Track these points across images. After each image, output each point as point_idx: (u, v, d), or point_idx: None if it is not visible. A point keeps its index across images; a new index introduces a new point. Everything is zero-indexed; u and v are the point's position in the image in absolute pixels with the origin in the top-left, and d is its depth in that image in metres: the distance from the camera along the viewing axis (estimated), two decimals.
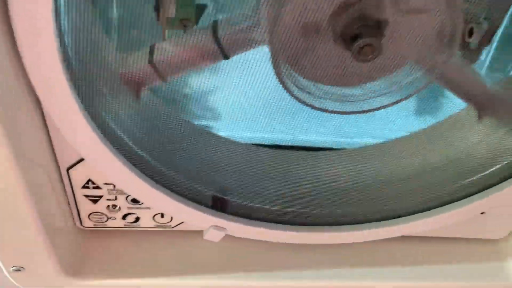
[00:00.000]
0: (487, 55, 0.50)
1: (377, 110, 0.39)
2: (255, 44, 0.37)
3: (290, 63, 0.37)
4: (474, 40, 0.40)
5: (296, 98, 0.38)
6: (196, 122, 0.47)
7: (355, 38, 0.33)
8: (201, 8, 0.39)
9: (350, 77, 0.37)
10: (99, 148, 0.35)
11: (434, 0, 0.34)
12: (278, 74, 0.37)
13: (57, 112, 0.33)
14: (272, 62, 0.36)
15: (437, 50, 0.37)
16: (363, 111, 0.39)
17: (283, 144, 0.49)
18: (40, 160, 0.38)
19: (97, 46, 0.36)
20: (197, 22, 0.39)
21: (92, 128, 0.35)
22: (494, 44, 0.50)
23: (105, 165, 0.37)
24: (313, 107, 0.38)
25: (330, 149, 0.49)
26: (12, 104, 0.32)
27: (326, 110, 0.39)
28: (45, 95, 0.32)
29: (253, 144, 0.48)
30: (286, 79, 0.37)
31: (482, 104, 0.46)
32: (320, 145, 0.49)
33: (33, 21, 0.27)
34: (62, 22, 0.31)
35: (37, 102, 0.34)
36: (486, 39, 0.41)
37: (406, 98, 0.40)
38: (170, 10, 0.39)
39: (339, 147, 0.49)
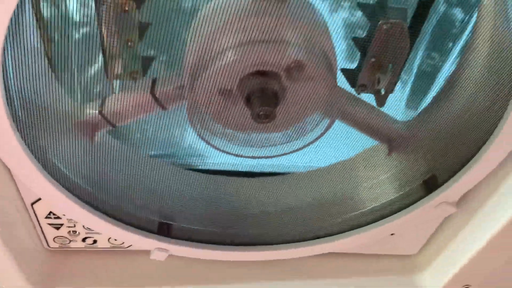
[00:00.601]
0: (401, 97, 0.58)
1: (279, 156, 0.47)
2: (184, 99, 0.45)
3: (208, 114, 0.46)
4: (381, 87, 0.48)
5: (203, 139, 0.46)
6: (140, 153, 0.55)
7: (253, 105, 0.41)
8: (148, 60, 0.44)
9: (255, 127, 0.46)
10: (53, 192, 0.44)
11: (317, 71, 0.42)
12: (191, 122, 0.45)
13: (7, 159, 0.41)
14: (187, 113, 0.45)
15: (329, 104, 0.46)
16: (267, 157, 0.47)
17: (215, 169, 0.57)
18: (6, 195, 0.47)
19: (48, 97, 0.44)
20: (144, 74, 0.44)
21: (43, 174, 0.43)
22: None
23: (59, 205, 0.46)
24: (218, 149, 0.47)
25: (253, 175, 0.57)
26: None
27: (229, 153, 0.47)
28: None
29: (187, 169, 0.56)
30: (198, 125, 0.45)
31: (392, 140, 0.54)
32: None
33: None
34: (10, 78, 0.38)
35: None
36: (390, 87, 0.49)
37: (307, 145, 0.48)
38: (118, 67, 0.46)
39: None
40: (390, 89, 0.47)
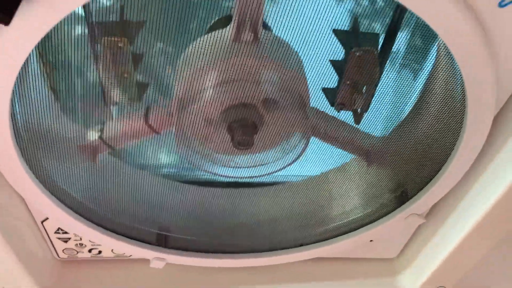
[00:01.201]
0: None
1: (262, 176, 0.53)
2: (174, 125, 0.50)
3: (194, 139, 0.51)
4: (357, 106, 0.53)
5: (189, 161, 0.51)
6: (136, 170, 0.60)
7: (234, 134, 0.46)
8: (143, 87, 0.48)
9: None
10: (58, 212, 0.50)
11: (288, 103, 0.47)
12: (178, 145, 0.50)
13: (16, 185, 0.47)
14: (175, 137, 0.50)
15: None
16: (250, 176, 0.53)
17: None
18: (18, 216, 0.52)
19: (52, 125, 0.49)
20: (140, 99, 0.50)
21: (47, 196, 0.48)
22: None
23: (64, 223, 0.52)
24: (205, 171, 0.52)
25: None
26: None
27: (215, 173, 0.52)
28: (4, 169, 0.45)
29: (181, 182, 0.61)
30: (185, 148, 0.51)
31: (368, 155, 0.58)
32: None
33: None
34: (16, 111, 0.42)
35: None
36: (365, 106, 0.53)
37: (289, 164, 0.53)
38: (116, 95, 0.51)
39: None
40: (365, 108, 0.52)
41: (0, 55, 0.34)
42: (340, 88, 0.49)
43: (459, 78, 0.40)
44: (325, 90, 0.50)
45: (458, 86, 0.42)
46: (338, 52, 0.47)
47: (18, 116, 0.44)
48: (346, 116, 0.54)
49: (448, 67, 0.45)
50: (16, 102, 0.43)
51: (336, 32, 0.46)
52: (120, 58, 0.45)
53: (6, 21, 0.28)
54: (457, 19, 0.33)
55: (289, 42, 0.45)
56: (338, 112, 0.52)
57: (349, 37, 0.46)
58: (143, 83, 0.47)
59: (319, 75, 0.49)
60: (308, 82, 0.48)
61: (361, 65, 0.47)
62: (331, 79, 0.49)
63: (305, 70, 0.47)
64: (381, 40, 0.47)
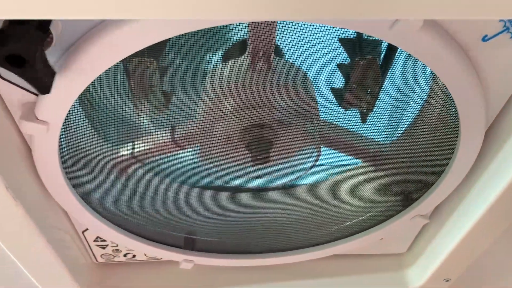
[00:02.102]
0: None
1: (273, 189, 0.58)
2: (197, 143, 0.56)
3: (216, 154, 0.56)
4: (363, 108, 0.57)
5: (210, 175, 0.57)
6: (165, 181, 0.66)
7: (252, 151, 0.52)
8: (168, 95, 0.52)
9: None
10: (96, 223, 0.56)
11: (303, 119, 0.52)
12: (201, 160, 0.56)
13: (60, 200, 0.53)
14: (199, 154, 0.55)
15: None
16: (264, 189, 0.58)
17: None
18: (62, 227, 0.59)
19: (90, 148, 0.55)
20: (167, 105, 0.53)
21: (87, 209, 0.55)
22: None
23: (102, 232, 0.58)
24: (226, 182, 0.58)
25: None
26: (37, 201, 0.52)
27: (239, 188, 0.58)
28: (50, 188, 0.51)
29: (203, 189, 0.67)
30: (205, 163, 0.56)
31: (375, 160, 0.64)
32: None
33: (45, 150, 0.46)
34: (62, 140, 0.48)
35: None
36: (370, 107, 0.57)
37: (303, 173, 0.58)
38: (144, 106, 0.55)
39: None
40: (370, 109, 0.56)
41: (51, 109, 0.40)
42: (347, 89, 0.53)
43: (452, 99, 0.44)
44: (333, 90, 0.54)
45: (452, 107, 0.47)
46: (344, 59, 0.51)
47: (63, 143, 0.50)
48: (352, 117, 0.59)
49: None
50: (62, 134, 0.49)
51: (341, 40, 0.50)
52: (148, 77, 0.50)
53: (47, 92, 0.35)
54: (444, 54, 0.38)
55: (298, 64, 0.50)
56: (346, 110, 0.56)
57: (354, 46, 0.51)
58: (168, 94, 0.52)
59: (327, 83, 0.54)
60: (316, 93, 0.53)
61: (365, 71, 0.51)
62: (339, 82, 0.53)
63: (313, 79, 0.51)
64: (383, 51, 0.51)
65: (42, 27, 0.34)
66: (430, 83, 0.53)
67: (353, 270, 0.72)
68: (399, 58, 0.52)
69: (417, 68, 0.53)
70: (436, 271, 0.66)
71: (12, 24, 0.32)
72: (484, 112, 0.44)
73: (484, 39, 0.39)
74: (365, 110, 0.55)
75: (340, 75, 0.52)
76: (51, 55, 0.37)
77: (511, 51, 0.40)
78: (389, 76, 0.53)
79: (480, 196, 0.54)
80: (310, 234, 0.68)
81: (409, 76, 0.56)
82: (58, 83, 0.38)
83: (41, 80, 0.34)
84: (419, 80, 0.55)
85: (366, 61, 0.50)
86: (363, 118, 0.57)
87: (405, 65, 0.53)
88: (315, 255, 0.68)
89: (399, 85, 0.57)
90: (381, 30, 0.36)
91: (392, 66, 0.52)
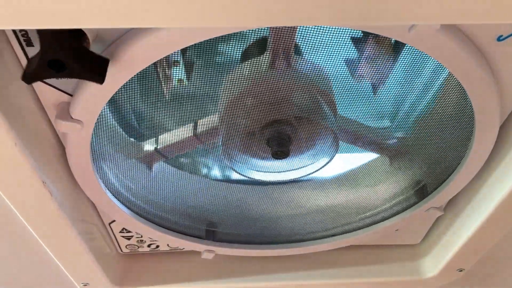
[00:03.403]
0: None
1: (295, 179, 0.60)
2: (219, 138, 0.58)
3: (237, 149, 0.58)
4: (374, 81, 0.57)
5: (233, 169, 0.59)
6: (187, 175, 0.68)
7: (272, 146, 0.54)
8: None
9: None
10: (123, 215, 0.59)
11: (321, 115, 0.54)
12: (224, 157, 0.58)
13: (90, 193, 0.56)
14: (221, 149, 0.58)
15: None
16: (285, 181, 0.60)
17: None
18: (89, 219, 0.62)
19: (118, 145, 0.58)
20: (189, 79, 0.53)
21: (115, 202, 0.57)
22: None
23: (128, 224, 0.61)
24: (246, 176, 0.60)
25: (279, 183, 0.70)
26: (69, 195, 0.55)
27: (259, 181, 0.60)
28: (81, 182, 0.54)
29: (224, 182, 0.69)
30: (227, 160, 0.58)
31: (391, 152, 0.65)
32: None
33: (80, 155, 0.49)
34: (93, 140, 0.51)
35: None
36: (382, 82, 0.57)
37: (322, 167, 0.60)
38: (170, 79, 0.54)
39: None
40: (382, 83, 0.55)
41: (85, 109, 0.42)
42: (360, 62, 0.54)
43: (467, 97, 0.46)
44: (348, 62, 0.54)
45: (467, 102, 0.48)
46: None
47: (94, 140, 0.53)
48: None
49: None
50: (93, 131, 0.52)
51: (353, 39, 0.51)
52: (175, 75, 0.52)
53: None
54: (461, 55, 0.40)
55: (317, 62, 0.52)
56: (359, 82, 0.57)
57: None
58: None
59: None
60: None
61: (377, 49, 0.52)
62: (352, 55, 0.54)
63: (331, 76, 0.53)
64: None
65: (76, 33, 0.36)
66: (443, 79, 0.54)
67: (369, 260, 0.74)
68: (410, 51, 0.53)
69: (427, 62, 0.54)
70: (449, 261, 0.68)
71: (47, 32, 0.34)
72: (498, 108, 0.46)
73: (499, 39, 0.40)
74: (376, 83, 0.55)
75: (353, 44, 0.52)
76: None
77: None
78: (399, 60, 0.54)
79: (493, 190, 0.56)
80: (327, 226, 0.70)
81: (421, 69, 0.57)
82: (90, 85, 0.41)
83: (93, 72, 0.36)
84: (433, 77, 0.57)
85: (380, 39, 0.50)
86: (375, 91, 0.56)
87: (415, 58, 0.55)
88: (332, 246, 0.70)
89: (411, 78, 0.58)
90: (400, 32, 0.37)
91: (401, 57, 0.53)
